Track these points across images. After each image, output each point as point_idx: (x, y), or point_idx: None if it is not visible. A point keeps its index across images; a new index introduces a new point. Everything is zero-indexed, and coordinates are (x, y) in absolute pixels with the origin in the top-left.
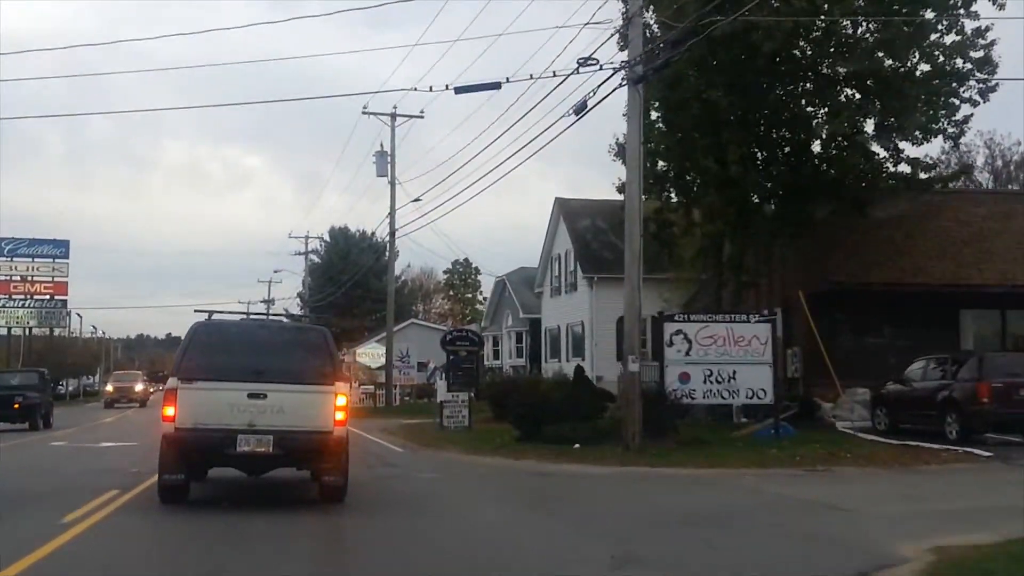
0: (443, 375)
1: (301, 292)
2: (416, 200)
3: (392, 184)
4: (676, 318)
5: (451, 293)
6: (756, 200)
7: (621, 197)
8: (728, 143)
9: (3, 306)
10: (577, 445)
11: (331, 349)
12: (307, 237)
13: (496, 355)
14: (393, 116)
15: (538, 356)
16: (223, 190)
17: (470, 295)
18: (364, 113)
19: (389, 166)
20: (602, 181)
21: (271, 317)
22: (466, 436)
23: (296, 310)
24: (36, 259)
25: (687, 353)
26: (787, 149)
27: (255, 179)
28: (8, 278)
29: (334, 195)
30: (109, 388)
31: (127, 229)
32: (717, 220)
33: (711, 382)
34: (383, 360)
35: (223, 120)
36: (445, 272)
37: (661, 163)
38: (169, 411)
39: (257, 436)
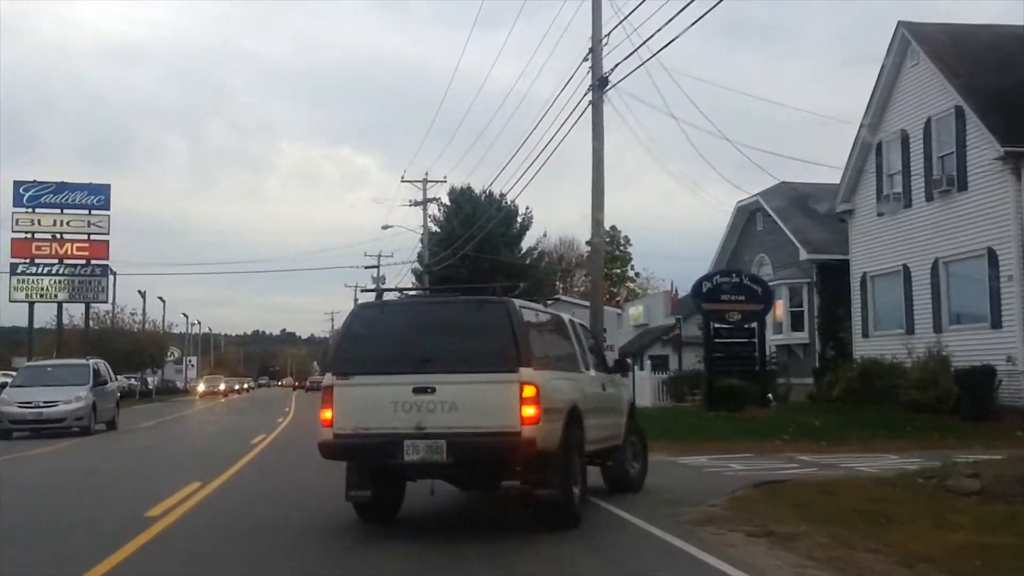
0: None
1: (415, 268)
2: None
3: None
4: None
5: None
6: None
7: None
8: None
9: (23, 273)
10: None
11: (515, 326)
12: (425, 180)
13: None
14: None
15: (836, 326)
16: (337, 188)
17: (618, 270)
18: None
19: None
20: None
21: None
22: None
23: (409, 284)
24: (66, 210)
25: None
26: None
27: (368, 176)
28: (29, 236)
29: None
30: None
31: (246, 229)
32: None
33: None
34: None
35: (335, 121)
36: (588, 243)
37: None
38: (327, 414)
39: (427, 441)
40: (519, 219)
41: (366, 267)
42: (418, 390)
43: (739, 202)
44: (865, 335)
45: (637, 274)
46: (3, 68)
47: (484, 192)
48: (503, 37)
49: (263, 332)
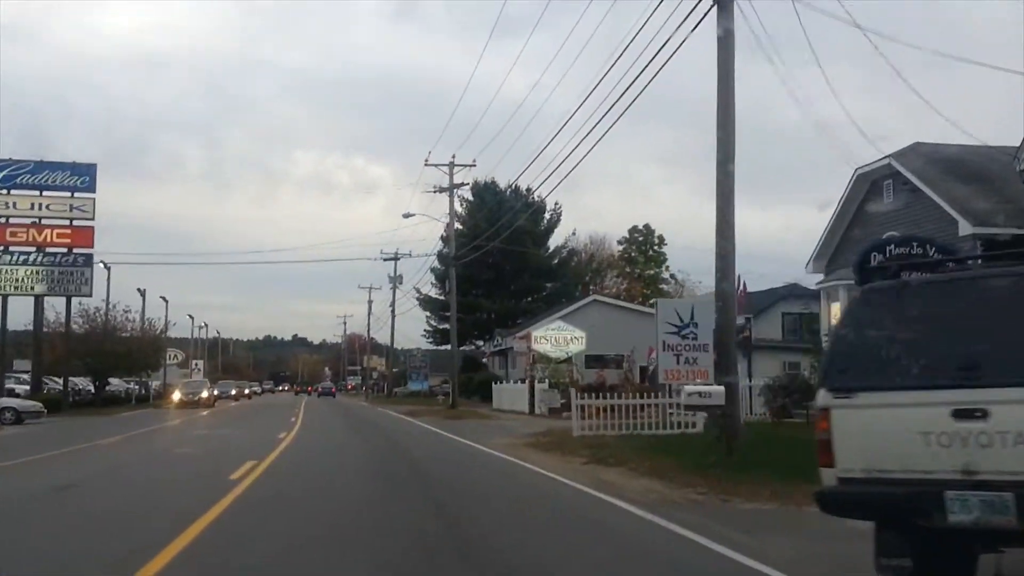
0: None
1: (435, 267)
2: None
3: None
4: None
5: (627, 269)
6: None
7: None
8: None
9: None
10: None
11: None
12: (452, 164)
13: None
14: None
15: None
16: (351, 197)
17: (652, 271)
18: None
19: None
20: None
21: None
22: None
23: (429, 288)
24: (46, 192)
25: None
26: None
27: (383, 186)
28: (3, 220)
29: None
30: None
31: (260, 237)
32: None
33: None
34: (575, 346)
35: (351, 130)
36: (620, 242)
37: None
38: (825, 448)
39: (982, 493)
40: (547, 215)
41: (385, 259)
42: (961, 414)
43: (859, 169)
44: None
45: (673, 276)
46: (22, 76)
47: (510, 187)
48: (522, 45)
49: (275, 337)
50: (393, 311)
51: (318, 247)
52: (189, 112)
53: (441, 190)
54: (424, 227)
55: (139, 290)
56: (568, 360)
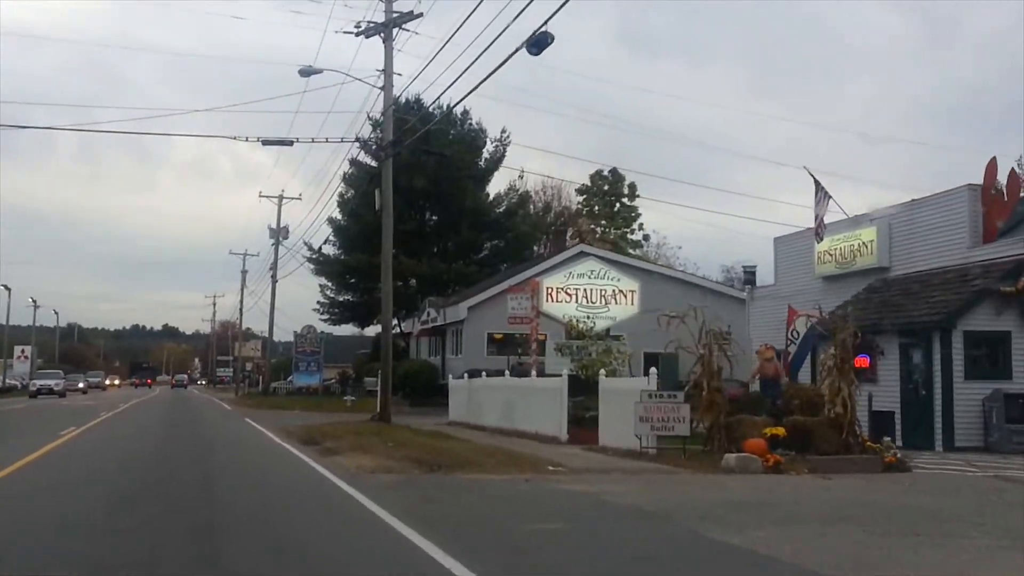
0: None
1: (366, 141)
2: None
3: None
4: None
5: (588, 227)
6: None
7: None
8: None
9: None
10: None
11: None
12: (384, 19)
13: None
14: None
15: None
16: (230, 183)
17: (619, 229)
18: None
19: None
20: None
21: None
22: None
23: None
24: None
25: None
26: None
27: (263, 173)
28: None
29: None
30: None
31: (134, 223)
32: None
33: None
34: (621, 308)
35: (231, 115)
36: (580, 192)
37: None
38: None
39: None
40: (489, 146)
41: (264, 143)
42: None
43: None
44: None
45: (646, 236)
46: None
47: (440, 106)
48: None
49: (144, 327)
50: (275, 273)
51: (198, 229)
52: (64, 93)
53: (370, 31)
54: (346, 81)
55: None
56: (608, 334)
